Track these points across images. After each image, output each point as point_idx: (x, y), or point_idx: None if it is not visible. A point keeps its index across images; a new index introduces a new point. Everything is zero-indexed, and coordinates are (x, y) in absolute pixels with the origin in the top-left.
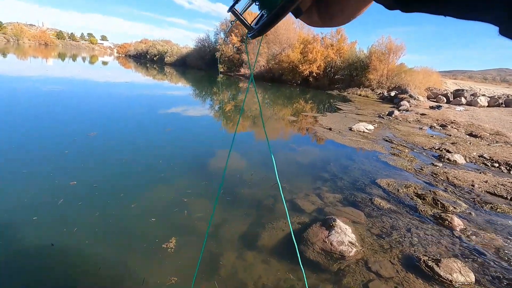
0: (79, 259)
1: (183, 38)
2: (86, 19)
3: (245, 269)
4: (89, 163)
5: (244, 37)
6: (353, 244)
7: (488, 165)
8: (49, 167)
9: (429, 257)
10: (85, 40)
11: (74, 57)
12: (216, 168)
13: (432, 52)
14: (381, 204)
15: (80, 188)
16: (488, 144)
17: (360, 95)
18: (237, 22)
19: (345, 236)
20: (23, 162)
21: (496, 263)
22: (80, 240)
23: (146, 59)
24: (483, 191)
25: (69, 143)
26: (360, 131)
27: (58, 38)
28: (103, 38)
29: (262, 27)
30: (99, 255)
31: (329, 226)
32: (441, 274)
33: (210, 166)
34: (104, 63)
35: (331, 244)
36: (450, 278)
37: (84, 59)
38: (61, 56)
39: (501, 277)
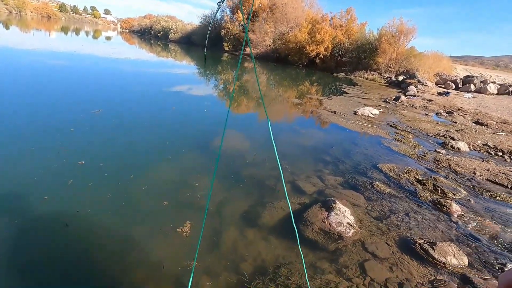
0: (95, 242)
1: (189, 15)
2: None
3: (246, 246)
4: (96, 142)
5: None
6: (351, 225)
7: (491, 154)
8: (56, 144)
9: (424, 241)
10: (88, 14)
11: (77, 31)
12: (223, 150)
13: (444, 36)
14: (381, 188)
15: (89, 167)
16: (494, 133)
17: (367, 78)
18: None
19: (344, 217)
20: (29, 139)
21: (491, 248)
22: (94, 222)
23: (150, 35)
24: (484, 179)
25: (75, 121)
26: (365, 116)
27: (61, 11)
28: (106, 12)
29: None
30: (116, 239)
31: (328, 207)
32: (435, 257)
33: (216, 147)
34: (108, 38)
35: (330, 224)
36: (443, 261)
37: (87, 33)
38: (64, 30)
39: (494, 262)
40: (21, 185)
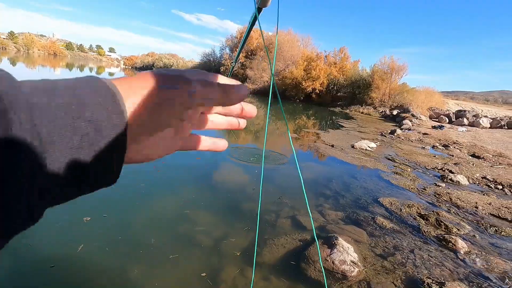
0: None
1: (191, 53)
2: (99, 32)
3: (246, 286)
4: (102, 192)
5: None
6: (355, 263)
7: (491, 187)
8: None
9: (433, 280)
10: (93, 52)
11: (81, 68)
12: (223, 183)
13: (435, 73)
14: (384, 223)
15: (95, 225)
16: (491, 166)
17: (362, 112)
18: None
19: (347, 255)
20: None
21: None
22: None
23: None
24: (487, 213)
25: None
26: (363, 149)
27: (67, 49)
28: (111, 50)
29: None
30: None
31: (331, 244)
32: None
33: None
34: (111, 74)
35: (333, 263)
36: None
37: (91, 69)
38: (69, 66)
39: None
40: (24, 244)
